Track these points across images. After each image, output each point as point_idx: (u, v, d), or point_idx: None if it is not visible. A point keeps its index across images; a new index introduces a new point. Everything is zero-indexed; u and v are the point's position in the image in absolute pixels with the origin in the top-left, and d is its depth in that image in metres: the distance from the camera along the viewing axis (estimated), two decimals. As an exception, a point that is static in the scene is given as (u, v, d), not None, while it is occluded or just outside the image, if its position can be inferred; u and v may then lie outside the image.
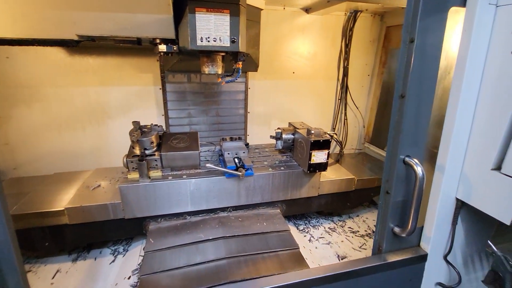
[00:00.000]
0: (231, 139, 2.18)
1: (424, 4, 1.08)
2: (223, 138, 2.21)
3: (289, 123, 2.38)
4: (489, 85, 1.13)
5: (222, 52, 1.70)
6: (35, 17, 1.44)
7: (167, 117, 2.53)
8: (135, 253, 2.04)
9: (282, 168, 2.13)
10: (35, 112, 2.27)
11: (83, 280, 1.81)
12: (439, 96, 1.21)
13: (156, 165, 1.90)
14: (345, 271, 1.27)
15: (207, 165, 1.82)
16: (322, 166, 1.99)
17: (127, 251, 2.08)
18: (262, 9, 2.13)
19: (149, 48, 2.30)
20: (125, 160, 1.81)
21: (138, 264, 1.91)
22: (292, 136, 2.23)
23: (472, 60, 1.13)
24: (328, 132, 2.06)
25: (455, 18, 1.13)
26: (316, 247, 2.21)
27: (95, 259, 2.00)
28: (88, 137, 2.45)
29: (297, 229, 2.43)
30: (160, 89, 2.46)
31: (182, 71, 2.40)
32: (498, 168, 1.13)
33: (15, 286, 0.97)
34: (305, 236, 2.34)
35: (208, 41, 1.54)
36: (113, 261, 1.98)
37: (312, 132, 1.96)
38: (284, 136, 2.22)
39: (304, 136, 2.00)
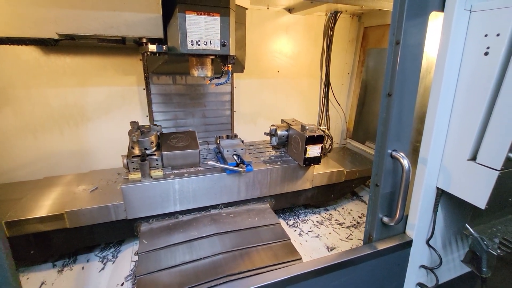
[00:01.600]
0: (227, 137, 2.21)
1: (408, 9, 1.16)
2: (220, 136, 2.23)
3: (282, 120, 2.45)
4: (465, 84, 1.25)
5: (212, 55, 1.69)
6: (12, 14, 1.34)
7: (152, 119, 2.47)
8: (126, 258, 1.99)
9: (278, 163, 2.20)
10: (5, 115, 2.11)
11: (72, 291, 1.74)
12: (421, 94, 1.31)
13: (157, 164, 1.89)
14: (340, 261, 1.34)
15: (209, 162, 1.84)
16: (316, 160, 2.09)
17: (117, 257, 2.02)
18: (247, 9, 2.15)
19: (132, 47, 2.24)
20: (125, 160, 1.79)
21: (131, 270, 1.86)
22: (286, 132, 2.30)
23: (450, 60, 1.23)
24: (321, 128, 2.15)
25: (435, 21, 1.22)
26: (306, 240, 2.29)
27: (83, 268, 1.92)
28: (67, 140, 2.33)
29: (287, 224, 2.49)
30: (144, 89, 2.39)
31: (167, 73, 2.36)
32: (473, 158, 1.25)
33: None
34: (295, 230, 2.41)
35: (199, 45, 1.53)
36: (103, 268, 1.91)
37: (307, 128, 2.04)
38: (279, 132, 2.28)
39: (299, 131, 2.08)
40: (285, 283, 1.23)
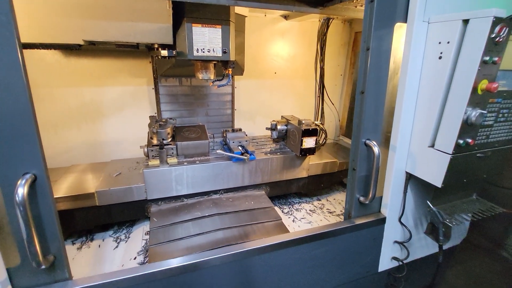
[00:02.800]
0: (233, 130, 2.51)
1: (376, 20, 1.41)
2: (226, 130, 2.53)
3: (282, 116, 2.73)
4: (425, 83, 1.49)
5: (215, 61, 1.95)
6: (47, 23, 1.60)
7: (160, 117, 2.72)
8: (138, 237, 2.24)
9: (278, 153, 2.48)
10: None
11: (91, 264, 1.98)
12: (390, 91, 1.55)
13: (172, 153, 2.17)
14: (323, 231, 1.58)
15: (218, 151, 2.14)
16: (311, 151, 2.35)
17: (129, 237, 2.27)
18: (246, 16, 2.41)
19: (143, 51, 2.51)
20: (145, 149, 2.09)
21: (143, 246, 2.11)
22: (285, 127, 2.59)
23: (412, 63, 1.48)
24: (315, 122, 2.42)
25: (399, 31, 1.47)
26: (299, 226, 2.52)
27: (99, 246, 2.17)
28: (84, 135, 2.58)
29: (282, 211, 2.73)
30: (153, 89, 2.65)
31: (174, 75, 2.62)
32: (432, 145, 1.49)
33: (56, 252, 1.18)
34: (289, 217, 2.65)
35: (203, 52, 1.79)
36: (117, 246, 2.16)
37: (303, 122, 2.32)
38: (279, 127, 2.57)
39: (296, 125, 2.35)
40: (272, 248, 1.47)
